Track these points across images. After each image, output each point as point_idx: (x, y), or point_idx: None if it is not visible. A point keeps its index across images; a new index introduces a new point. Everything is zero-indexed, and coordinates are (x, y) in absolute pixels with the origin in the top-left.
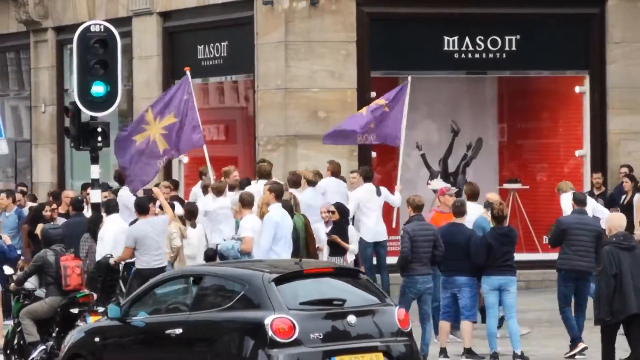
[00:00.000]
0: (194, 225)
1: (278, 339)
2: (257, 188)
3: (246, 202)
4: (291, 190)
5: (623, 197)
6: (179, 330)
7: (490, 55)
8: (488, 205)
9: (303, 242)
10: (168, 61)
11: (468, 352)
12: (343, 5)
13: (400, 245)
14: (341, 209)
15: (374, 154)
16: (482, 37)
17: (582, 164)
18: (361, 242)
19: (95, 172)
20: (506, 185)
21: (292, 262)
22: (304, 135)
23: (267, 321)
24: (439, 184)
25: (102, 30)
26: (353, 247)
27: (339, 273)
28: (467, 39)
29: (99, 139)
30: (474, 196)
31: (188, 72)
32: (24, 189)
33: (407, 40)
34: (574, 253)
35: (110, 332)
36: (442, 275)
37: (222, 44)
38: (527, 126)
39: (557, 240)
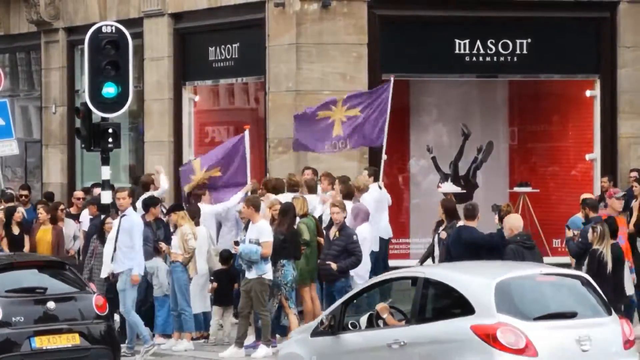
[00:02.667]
0: (197, 224)
1: None
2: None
3: (258, 206)
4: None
5: (633, 201)
6: None
7: (502, 59)
8: (496, 208)
9: (314, 243)
10: (179, 62)
11: None
12: (354, 7)
13: None
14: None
15: (384, 157)
16: (493, 41)
17: (593, 168)
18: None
19: (106, 173)
20: (516, 189)
21: (8, 255)
22: None
23: None
24: (449, 187)
25: (114, 31)
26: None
27: (47, 265)
28: (478, 42)
29: (110, 140)
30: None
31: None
32: (26, 192)
33: (418, 43)
34: None
35: None
36: None
37: (234, 45)
38: (537, 130)
39: (583, 252)
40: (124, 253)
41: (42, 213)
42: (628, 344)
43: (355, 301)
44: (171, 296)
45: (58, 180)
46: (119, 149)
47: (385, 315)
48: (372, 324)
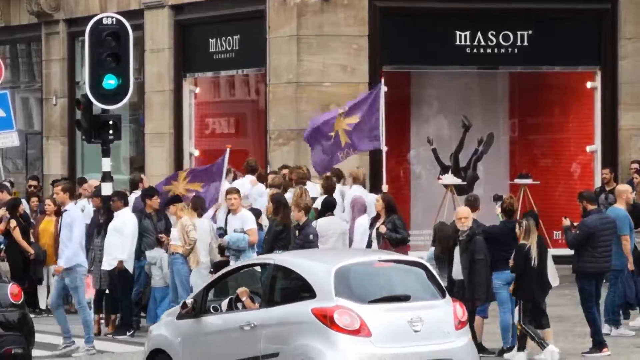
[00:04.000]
0: (200, 216)
1: None
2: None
3: (243, 196)
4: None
5: (633, 192)
6: None
7: (502, 51)
8: (498, 198)
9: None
10: (180, 54)
11: (479, 346)
12: None
13: None
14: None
15: (385, 148)
16: (494, 32)
17: (593, 160)
18: None
19: (106, 165)
20: (517, 181)
21: None
22: None
23: None
24: (449, 179)
25: (114, 23)
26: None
27: None
28: (479, 34)
29: (111, 131)
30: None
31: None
32: (35, 182)
33: (418, 35)
34: (600, 255)
35: None
36: None
37: (234, 37)
38: (538, 121)
39: (581, 244)
40: (67, 247)
41: (49, 205)
42: (460, 324)
43: (215, 287)
44: (171, 288)
45: (58, 172)
46: (120, 140)
47: (244, 299)
48: (232, 307)
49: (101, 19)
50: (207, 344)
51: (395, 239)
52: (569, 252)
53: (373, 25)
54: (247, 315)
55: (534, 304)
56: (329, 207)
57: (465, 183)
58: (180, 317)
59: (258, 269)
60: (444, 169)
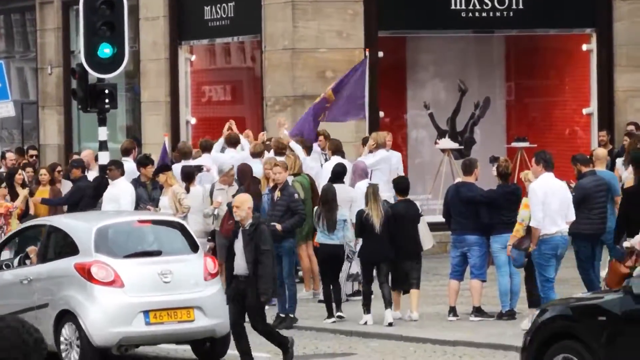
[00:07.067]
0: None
1: None
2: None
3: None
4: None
5: (622, 159)
6: None
7: (498, 14)
8: (494, 160)
9: (310, 201)
10: (174, 22)
11: (477, 310)
12: None
13: None
14: None
15: (381, 114)
16: None
17: (590, 122)
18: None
19: (102, 134)
20: (514, 144)
21: None
22: (311, 96)
23: None
24: (447, 143)
25: None
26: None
27: None
28: None
29: (107, 100)
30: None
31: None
32: (35, 152)
33: (414, 0)
34: (596, 216)
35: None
36: (452, 234)
37: (229, 4)
38: (534, 84)
39: (577, 206)
40: None
41: (44, 174)
42: (210, 276)
43: (6, 245)
44: None
45: (55, 141)
46: (116, 109)
47: (32, 256)
48: (21, 263)
49: None
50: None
51: None
52: None
53: None
54: (26, 270)
55: (378, 268)
56: (338, 175)
57: (462, 147)
58: None
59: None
60: (441, 134)
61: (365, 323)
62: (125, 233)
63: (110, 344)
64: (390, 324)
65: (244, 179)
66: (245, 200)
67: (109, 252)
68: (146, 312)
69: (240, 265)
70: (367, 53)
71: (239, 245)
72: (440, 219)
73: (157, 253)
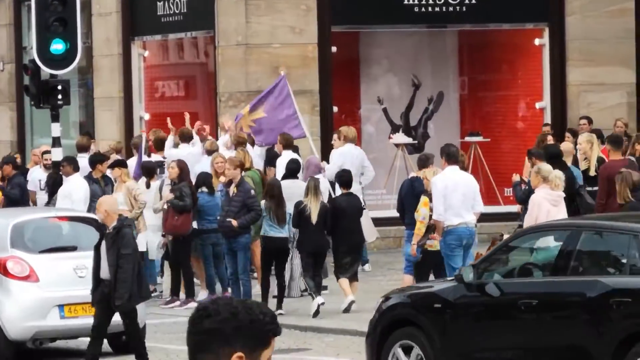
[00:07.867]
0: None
1: None
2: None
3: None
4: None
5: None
6: None
7: (451, 9)
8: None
9: (260, 196)
10: (127, 18)
11: None
12: None
13: None
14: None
15: (335, 109)
16: None
17: (543, 116)
18: None
19: (56, 130)
20: (467, 139)
21: None
22: None
23: None
24: (400, 138)
25: None
26: None
27: None
28: None
29: (59, 96)
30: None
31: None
32: None
33: None
34: None
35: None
36: (406, 229)
37: (182, 0)
38: (487, 79)
39: (526, 197)
40: None
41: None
42: None
43: None
44: None
45: (8, 138)
46: (69, 105)
47: None
48: None
49: None
50: None
51: (178, 205)
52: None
53: None
54: None
55: (314, 258)
56: (292, 172)
57: (416, 142)
58: None
59: None
60: (395, 128)
61: (322, 305)
62: (40, 229)
63: (25, 337)
64: (321, 304)
65: (182, 173)
66: (102, 202)
67: (25, 247)
68: (61, 307)
69: (104, 269)
70: (283, 73)
71: (103, 248)
72: (394, 213)
73: (73, 248)
